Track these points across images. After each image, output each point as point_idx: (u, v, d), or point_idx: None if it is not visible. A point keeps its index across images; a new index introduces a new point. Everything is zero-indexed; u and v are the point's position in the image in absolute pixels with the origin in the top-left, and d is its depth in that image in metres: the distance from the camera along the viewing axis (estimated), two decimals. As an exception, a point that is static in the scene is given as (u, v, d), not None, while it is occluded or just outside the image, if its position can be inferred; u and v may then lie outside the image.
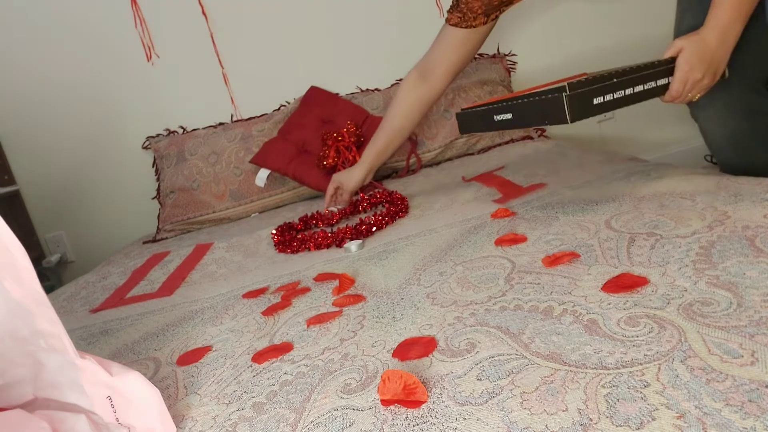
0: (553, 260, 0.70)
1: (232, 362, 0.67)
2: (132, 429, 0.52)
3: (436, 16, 1.98)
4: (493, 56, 1.96)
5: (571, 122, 0.75)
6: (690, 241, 0.65)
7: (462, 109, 1.01)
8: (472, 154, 1.74)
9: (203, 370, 0.67)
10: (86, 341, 0.90)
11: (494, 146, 1.73)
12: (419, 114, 1.28)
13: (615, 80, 0.79)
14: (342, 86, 1.93)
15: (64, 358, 0.51)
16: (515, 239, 0.82)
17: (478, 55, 1.97)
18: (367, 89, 1.95)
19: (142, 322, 0.92)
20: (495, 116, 0.90)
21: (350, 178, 1.33)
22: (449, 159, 1.75)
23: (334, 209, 1.36)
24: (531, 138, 1.74)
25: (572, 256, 0.70)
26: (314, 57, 1.94)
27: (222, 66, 1.91)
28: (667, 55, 0.87)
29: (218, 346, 0.73)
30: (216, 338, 0.77)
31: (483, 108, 0.93)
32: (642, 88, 0.82)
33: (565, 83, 0.76)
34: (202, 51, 1.89)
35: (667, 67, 0.85)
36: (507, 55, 1.98)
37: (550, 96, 0.77)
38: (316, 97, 1.83)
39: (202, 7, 1.86)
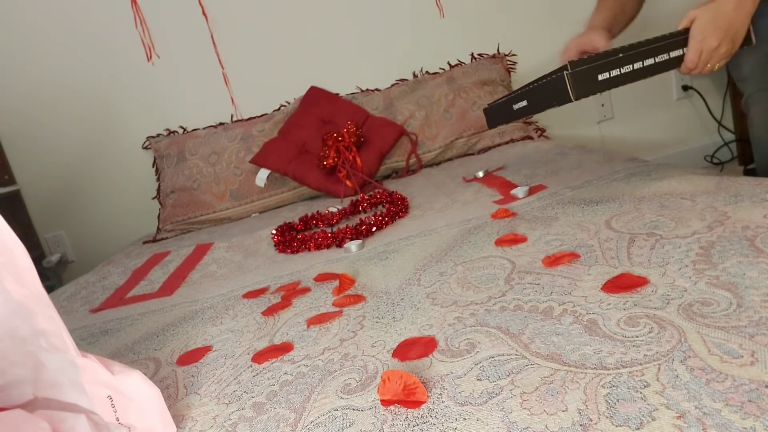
0: (553, 260, 0.70)
1: (232, 362, 0.67)
2: (132, 429, 0.52)
3: (436, 16, 1.98)
4: (493, 56, 1.96)
5: (576, 99, 0.75)
6: (690, 242, 0.65)
7: (488, 104, 1.02)
8: (472, 154, 1.75)
9: (203, 370, 0.67)
10: (86, 341, 0.90)
11: (494, 146, 1.73)
12: (634, 10, 1.12)
13: (621, 55, 0.78)
14: (342, 86, 1.94)
15: (65, 358, 0.51)
16: (515, 239, 0.82)
17: (479, 54, 1.97)
18: (367, 89, 1.95)
19: (142, 322, 0.92)
20: (514, 105, 0.91)
21: (592, 38, 1.02)
22: (449, 159, 1.75)
23: (334, 209, 1.36)
24: (531, 138, 1.74)
25: (572, 256, 0.70)
26: (314, 57, 1.94)
27: (222, 66, 1.91)
28: (681, 26, 0.84)
29: (218, 346, 0.73)
30: (216, 338, 0.77)
31: (503, 99, 0.95)
32: (653, 61, 0.81)
33: (567, 62, 0.77)
34: (202, 51, 1.89)
35: (681, 38, 0.83)
36: (507, 55, 1.98)
37: (554, 76, 0.78)
38: (316, 97, 1.84)
39: (202, 7, 1.86)
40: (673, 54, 0.83)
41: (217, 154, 1.75)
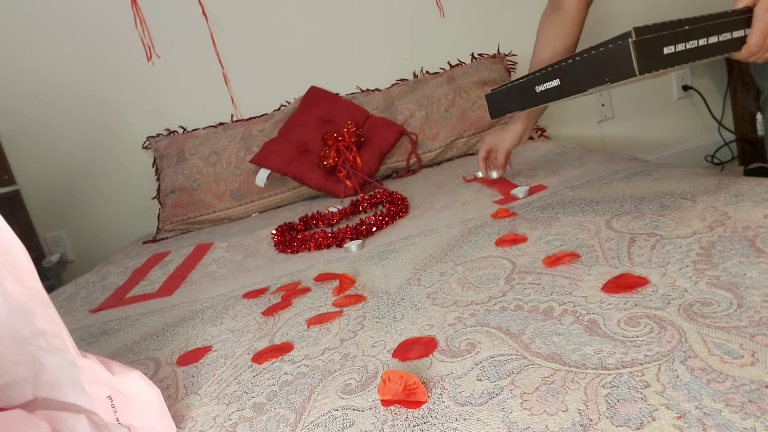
0: (553, 260, 0.70)
1: (232, 362, 0.67)
2: (132, 429, 0.52)
3: (437, 16, 1.98)
4: (493, 56, 1.96)
5: (640, 74, 0.64)
6: (690, 242, 0.65)
7: (492, 90, 0.91)
8: (473, 154, 1.74)
9: (203, 370, 0.67)
10: (86, 341, 0.89)
11: (494, 146, 1.73)
12: (563, 44, 1.10)
13: (687, 27, 0.67)
14: (342, 86, 1.94)
15: (65, 358, 0.51)
16: (516, 239, 0.82)
17: (479, 54, 1.97)
18: (367, 89, 1.95)
19: (142, 322, 0.92)
20: (537, 87, 0.79)
21: (503, 137, 1.15)
22: (449, 159, 1.75)
23: (334, 209, 1.36)
24: (531, 138, 1.74)
25: (573, 256, 0.70)
26: (314, 57, 1.94)
27: (222, 66, 1.91)
28: (742, 4, 0.73)
29: (218, 346, 0.73)
30: (216, 338, 0.77)
31: (520, 81, 0.83)
32: (716, 40, 0.70)
33: (630, 29, 0.65)
34: (202, 51, 1.89)
35: (743, 17, 0.72)
36: (507, 55, 1.98)
37: (611, 46, 0.66)
38: (316, 97, 1.83)
39: (202, 7, 1.86)
40: (736, 34, 0.72)
41: (217, 154, 1.75)
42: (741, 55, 0.75)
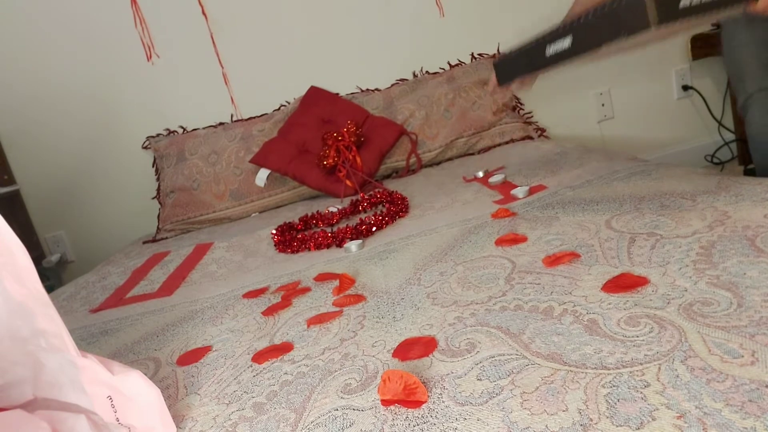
0: (553, 260, 0.70)
1: (232, 362, 0.67)
2: (132, 429, 0.52)
3: (437, 16, 1.98)
4: (494, 56, 1.96)
5: (656, 26, 0.61)
6: (690, 241, 0.65)
7: (500, 56, 0.87)
8: (473, 154, 1.74)
9: (203, 370, 0.67)
10: (86, 341, 0.90)
11: (494, 146, 1.73)
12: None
13: None
14: (342, 86, 1.93)
15: (65, 358, 0.51)
16: (516, 239, 0.82)
17: (479, 54, 1.97)
18: (367, 89, 1.95)
19: (142, 322, 0.92)
20: (548, 47, 0.75)
21: None
22: (449, 159, 1.75)
23: (334, 209, 1.36)
24: (531, 138, 1.74)
25: (572, 256, 0.70)
26: (314, 57, 1.94)
27: (222, 66, 1.91)
28: None
29: (218, 346, 0.73)
30: (216, 338, 0.77)
31: (528, 45, 0.79)
32: None
33: None
34: (202, 51, 1.89)
35: None
36: (507, 55, 1.98)
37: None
38: (316, 97, 1.83)
39: (202, 7, 1.86)
40: None
41: (217, 154, 1.75)
42: (759, 6, 0.71)
